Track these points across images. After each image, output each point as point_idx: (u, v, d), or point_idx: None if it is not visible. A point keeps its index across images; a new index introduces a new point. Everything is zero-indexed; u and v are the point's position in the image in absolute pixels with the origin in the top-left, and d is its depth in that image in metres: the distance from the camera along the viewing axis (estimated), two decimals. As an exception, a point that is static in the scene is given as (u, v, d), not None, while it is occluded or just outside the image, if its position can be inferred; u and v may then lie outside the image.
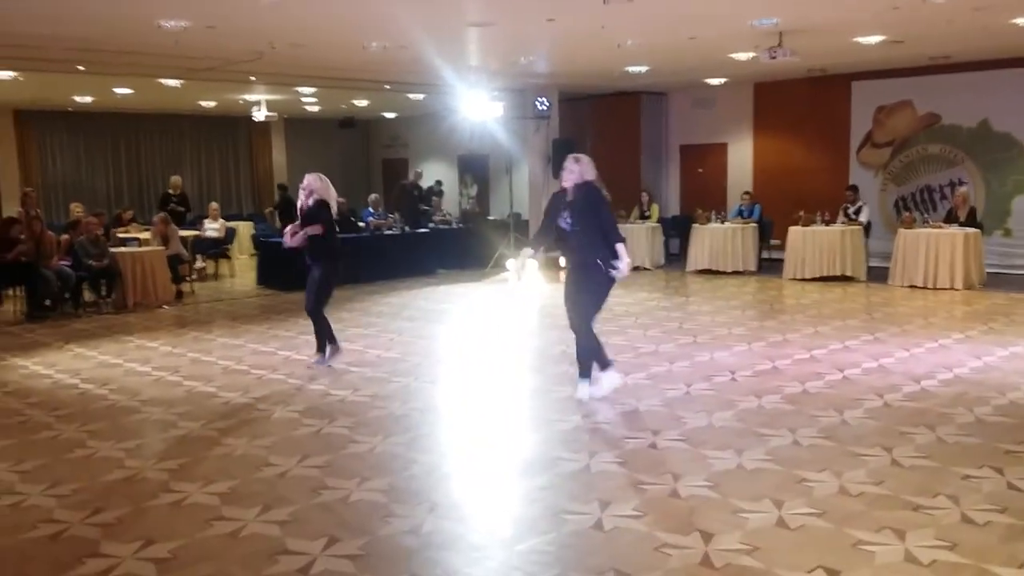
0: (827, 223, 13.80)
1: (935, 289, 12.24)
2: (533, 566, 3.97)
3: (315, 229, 7.80)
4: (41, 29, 9.76)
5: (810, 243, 13.68)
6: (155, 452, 5.81)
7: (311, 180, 8.07)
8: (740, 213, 15.39)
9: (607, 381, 6.73)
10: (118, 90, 15.98)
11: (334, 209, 8.12)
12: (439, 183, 19.75)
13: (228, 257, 16.52)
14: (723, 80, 16.11)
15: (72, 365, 8.59)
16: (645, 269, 15.64)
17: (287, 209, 18.52)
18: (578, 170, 6.49)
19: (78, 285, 11.90)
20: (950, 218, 13.01)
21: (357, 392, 7.24)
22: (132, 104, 18.57)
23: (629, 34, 11.06)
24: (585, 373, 6.71)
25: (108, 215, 15.20)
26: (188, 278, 13.98)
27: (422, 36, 10.64)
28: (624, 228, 15.77)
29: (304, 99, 18.46)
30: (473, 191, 21.37)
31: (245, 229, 18.91)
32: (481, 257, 15.97)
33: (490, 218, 18.75)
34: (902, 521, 4.33)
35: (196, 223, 17.09)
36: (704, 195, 17.15)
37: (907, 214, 14.13)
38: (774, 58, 10.78)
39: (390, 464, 5.43)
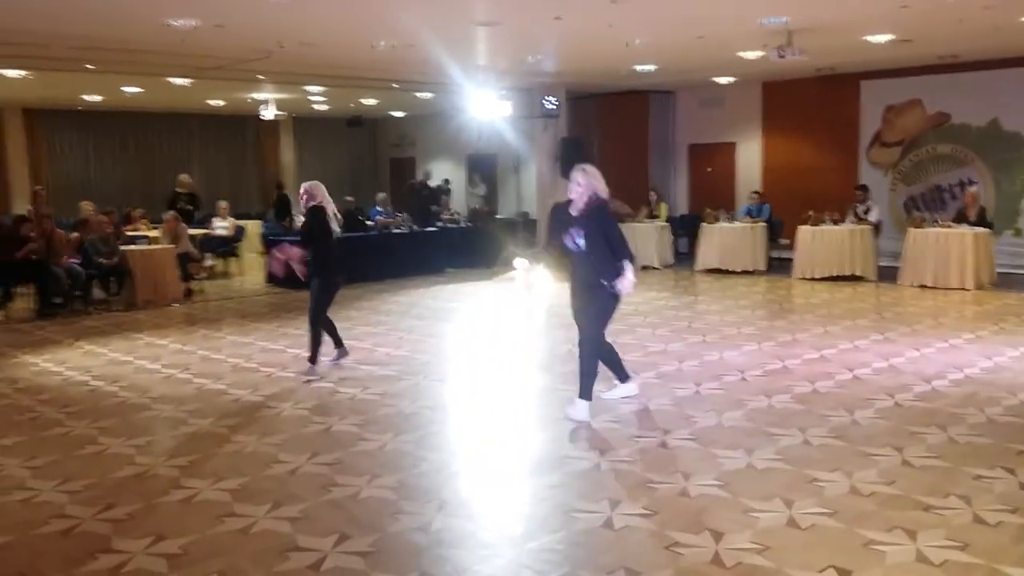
0: (836, 223, 13.76)
1: (945, 289, 12.20)
2: (543, 564, 3.97)
3: (294, 254, 7.87)
4: (51, 28, 9.79)
5: (819, 243, 13.64)
6: (165, 449, 5.83)
7: (307, 187, 7.84)
8: (749, 212, 15.36)
9: (623, 389, 6.69)
10: (127, 89, 16.02)
11: (331, 211, 7.83)
12: (447, 182, 19.76)
13: (237, 255, 16.54)
14: (731, 79, 16.08)
15: (82, 362, 8.62)
16: (654, 268, 15.63)
17: (283, 208, 18.56)
18: (586, 183, 6.08)
19: (88, 283, 11.95)
20: (960, 218, 12.95)
21: (366, 390, 7.25)
22: (141, 103, 18.61)
23: (637, 33, 11.04)
24: (586, 395, 6.20)
25: (117, 213, 15.24)
26: (197, 276, 14.01)
27: (430, 35, 10.65)
28: (632, 227, 15.81)
29: (312, 98, 18.48)
30: (481, 190, 21.36)
31: (254, 227, 18.92)
32: (489, 256, 15.97)
33: (498, 217, 18.75)
34: (913, 521, 4.32)
35: (205, 221, 17.12)
36: (713, 194, 17.12)
37: (917, 214, 14.09)
38: (783, 57, 10.75)
39: (400, 462, 5.44)
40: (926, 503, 4.55)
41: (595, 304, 6.15)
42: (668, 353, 8.46)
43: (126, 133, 20.63)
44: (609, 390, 6.69)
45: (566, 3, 9.10)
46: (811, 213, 13.93)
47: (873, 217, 13.84)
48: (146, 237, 13.82)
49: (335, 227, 7.87)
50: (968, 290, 12.05)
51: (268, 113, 18.28)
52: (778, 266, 14.97)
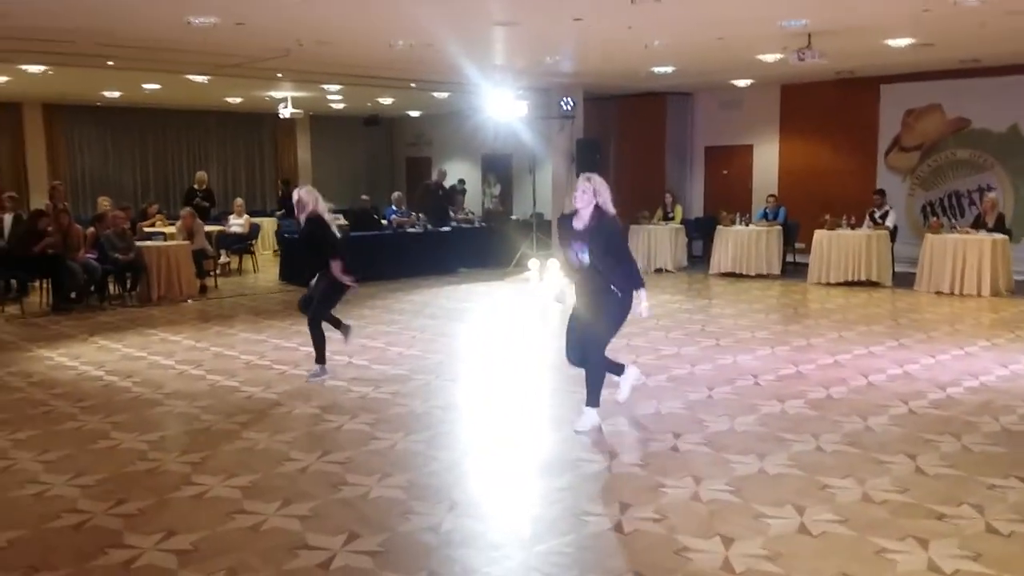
0: (853, 227, 13.68)
1: (962, 295, 12.11)
2: (552, 567, 3.96)
3: (336, 269, 7.44)
4: (72, 24, 9.85)
5: (835, 247, 13.57)
6: (177, 445, 5.85)
7: (301, 195, 7.57)
8: (765, 215, 15.30)
9: (626, 378, 6.44)
10: (146, 85, 16.11)
11: (327, 217, 7.63)
12: (462, 182, 19.78)
13: (252, 253, 16.61)
14: (750, 81, 16.01)
15: (97, 357, 8.67)
16: (667, 271, 15.60)
17: (290, 206, 18.58)
18: (591, 189, 5.81)
19: (103, 278, 12.02)
20: (978, 224, 12.87)
21: (378, 389, 7.26)
22: (159, 99, 18.70)
23: (656, 34, 11.01)
24: (594, 401, 6.03)
25: (134, 209, 15.33)
26: (212, 273, 14.07)
27: (448, 35, 10.65)
28: (647, 229, 15.80)
29: (329, 96, 18.52)
30: (496, 190, 21.37)
31: (269, 225, 19.03)
32: (503, 256, 15.97)
33: (513, 218, 18.74)
34: (926, 530, 4.29)
35: (221, 219, 17.20)
36: (729, 197, 17.07)
37: (934, 219, 14.00)
38: (802, 60, 10.69)
39: (410, 461, 5.44)
40: (939, 512, 4.51)
41: (606, 314, 5.89)
42: (681, 356, 8.43)
43: (144, 129, 20.73)
44: (619, 392, 6.51)
45: (585, 4, 9.08)
46: (827, 217, 13.85)
47: (890, 222, 13.76)
48: (162, 233, 13.88)
49: (335, 231, 7.65)
50: (985, 297, 11.95)
51: (285, 111, 18.33)
52: (793, 270, 14.90)
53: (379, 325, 10.30)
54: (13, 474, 5.27)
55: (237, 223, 16.47)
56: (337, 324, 7.93)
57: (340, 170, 22.96)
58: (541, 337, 9.91)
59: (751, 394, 7.00)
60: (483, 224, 17.57)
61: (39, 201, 16.21)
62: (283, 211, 18.19)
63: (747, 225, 15.05)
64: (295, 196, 7.64)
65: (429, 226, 15.96)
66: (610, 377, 6.35)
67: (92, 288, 11.92)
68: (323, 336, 7.68)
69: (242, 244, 16.30)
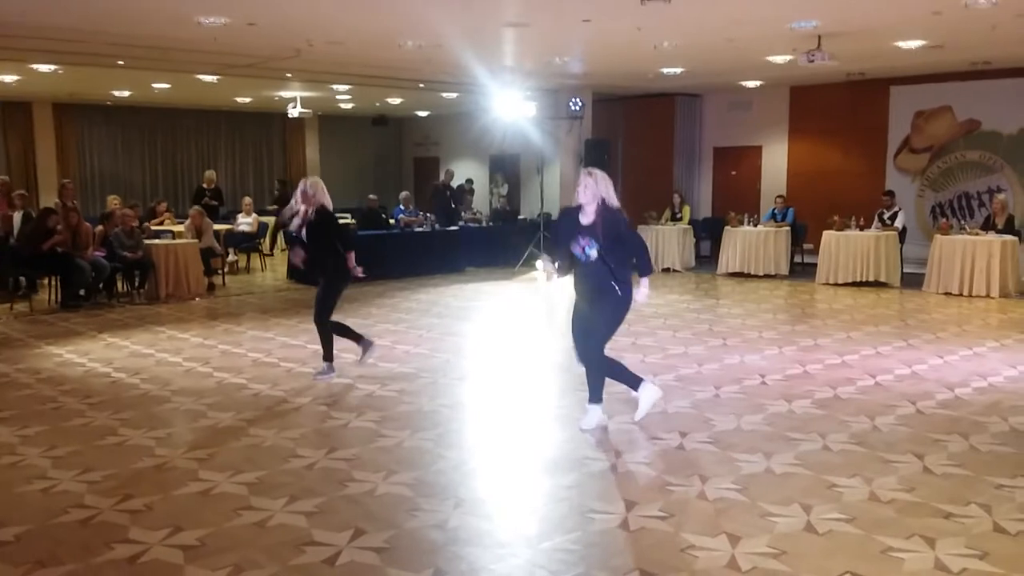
0: (861, 228, 13.65)
1: (970, 296, 12.08)
2: (558, 564, 3.96)
3: (351, 261, 7.41)
4: (82, 24, 9.90)
5: (844, 248, 13.54)
6: (185, 441, 5.86)
7: (307, 187, 7.44)
8: (773, 216, 15.27)
9: (645, 396, 6.17)
10: (156, 85, 16.17)
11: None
12: (470, 181, 19.79)
13: (260, 251, 16.65)
14: (759, 83, 16.00)
15: (105, 354, 8.70)
16: (675, 271, 15.59)
17: (284, 205, 18.50)
18: (592, 184, 5.75)
19: (112, 276, 12.06)
20: (988, 225, 12.83)
21: (385, 387, 7.27)
22: (169, 99, 18.77)
23: (666, 36, 11.01)
24: (596, 397, 6.03)
25: (143, 208, 15.38)
26: (220, 271, 14.11)
27: (457, 35, 10.67)
28: (655, 229, 15.78)
29: (338, 96, 18.56)
30: (504, 190, 21.37)
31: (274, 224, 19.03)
32: (510, 256, 15.98)
33: (520, 217, 18.75)
34: (933, 529, 4.27)
35: (229, 218, 17.24)
36: (737, 197, 17.06)
37: (944, 220, 13.96)
38: (812, 61, 10.69)
39: (417, 459, 5.44)
40: (946, 511, 4.50)
41: (607, 311, 5.84)
42: (688, 356, 8.42)
43: (154, 129, 20.82)
44: (637, 412, 6.21)
45: (595, 5, 9.08)
46: (836, 218, 13.83)
47: (899, 223, 13.72)
48: (171, 232, 13.92)
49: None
50: (994, 298, 11.92)
51: (294, 111, 18.38)
52: (801, 271, 14.88)
53: (386, 324, 10.31)
54: (21, 469, 5.29)
55: (245, 222, 16.52)
56: (329, 355, 7.68)
57: (348, 170, 23.01)
58: (548, 336, 9.90)
59: (758, 393, 6.99)
60: (491, 224, 17.57)
61: (49, 200, 16.27)
62: (279, 209, 18.17)
63: (755, 226, 15.03)
64: (300, 188, 7.53)
65: (437, 225, 15.98)
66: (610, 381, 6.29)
67: (101, 286, 11.97)
68: (331, 335, 7.65)
69: (250, 243, 16.35)
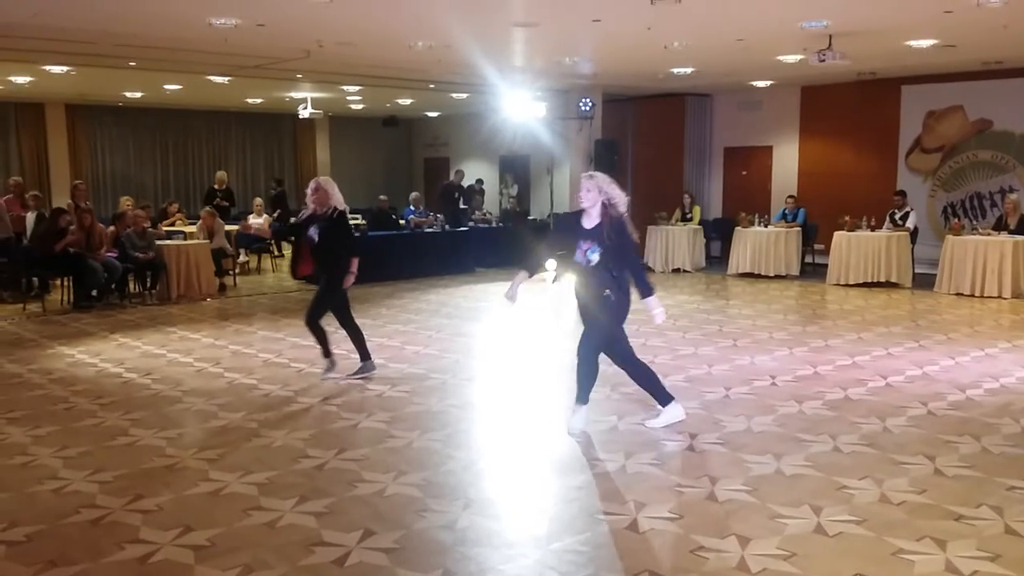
0: (873, 228, 13.60)
1: (982, 297, 12.02)
2: (567, 565, 3.96)
3: (354, 268, 7.39)
4: (95, 26, 9.95)
5: (855, 248, 13.49)
6: (195, 441, 5.89)
7: (322, 183, 7.40)
8: (784, 216, 15.23)
9: (668, 415, 6.05)
10: (167, 86, 16.23)
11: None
12: (480, 182, 19.80)
13: (271, 252, 16.69)
14: (769, 82, 15.96)
15: (117, 354, 8.73)
16: (686, 271, 15.56)
17: (280, 207, 18.46)
18: (596, 187, 5.68)
19: (124, 276, 12.11)
20: (1000, 225, 12.76)
21: (395, 387, 7.27)
22: (181, 100, 18.84)
23: (676, 35, 10.99)
24: (582, 398, 5.95)
25: (154, 208, 15.44)
26: (231, 272, 14.15)
27: (467, 36, 10.67)
28: (665, 230, 15.78)
29: (349, 97, 18.60)
30: (514, 191, 21.38)
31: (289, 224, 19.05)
32: (520, 256, 15.90)
33: (530, 218, 18.75)
34: (944, 531, 4.25)
35: (240, 218, 17.26)
36: (748, 198, 17.02)
37: (955, 221, 13.89)
38: (823, 61, 10.64)
39: (426, 459, 5.45)
40: (957, 513, 4.48)
41: (606, 314, 5.74)
42: (698, 356, 8.40)
43: (166, 130, 20.89)
44: (652, 418, 6.16)
45: (605, 5, 9.07)
46: (847, 218, 13.78)
47: (910, 223, 13.65)
48: (182, 232, 13.97)
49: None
50: (1006, 299, 11.86)
51: (305, 112, 18.42)
52: (812, 271, 14.83)
53: (396, 324, 10.32)
54: (32, 470, 5.32)
55: (256, 223, 16.53)
56: (327, 352, 7.60)
57: (359, 170, 23.04)
58: (556, 336, 9.89)
59: (768, 394, 6.97)
60: (500, 224, 17.58)
61: (61, 200, 16.33)
62: (278, 212, 18.14)
63: (766, 226, 14.99)
64: (313, 185, 7.44)
65: (447, 226, 15.99)
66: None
67: (113, 286, 12.03)
68: (324, 331, 7.53)
69: (261, 243, 16.38)
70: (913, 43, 11.33)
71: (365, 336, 7.74)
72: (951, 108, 14.80)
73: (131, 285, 12.49)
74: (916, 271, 13.54)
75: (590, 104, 16.01)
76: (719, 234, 16.98)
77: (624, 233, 5.71)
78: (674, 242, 15.80)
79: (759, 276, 14.58)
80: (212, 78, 14.69)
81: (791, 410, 6.50)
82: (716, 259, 16.76)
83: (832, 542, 4.16)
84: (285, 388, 7.31)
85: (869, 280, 13.30)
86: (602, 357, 6.04)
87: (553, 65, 13.56)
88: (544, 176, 18.15)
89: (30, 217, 12.92)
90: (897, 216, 13.77)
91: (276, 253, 17.02)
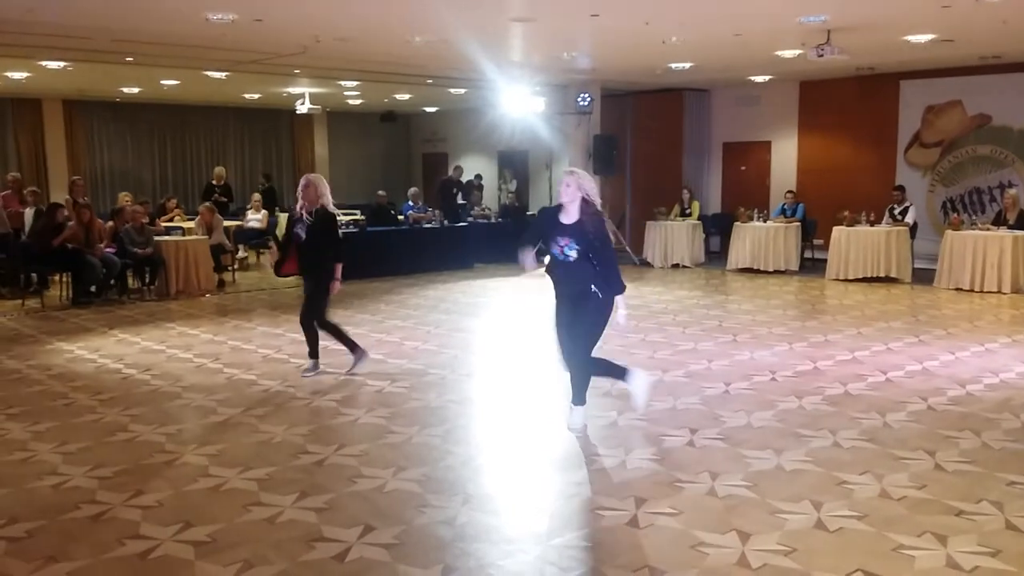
0: (872, 223, 13.59)
1: (982, 292, 12.02)
2: (567, 561, 3.96)
3: (338, 272, 7.36)
4: (90, 21, 9.92)
5: (854, 243, 13.49)
6: (195, 437, 5.88)
7: (313, 180, 7.34)
8: (783, 212, 15.23)
9: (637, 385, 5.98)
10: (165, 82, 16.20)
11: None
12: (479, 177, 19.79)
13: (270, 247, 16.64)
14: (768, 77, 15.94)
15: (116, 350, 8.72)
16: (685, 267, 15.57)
17: (269, 202, 18.37)
18: (575, 183, 5.62)
19: (123, 272, 12.09)
20: (999, 220, 12.76)
21: (394, 383, 7.27)
22: (178, 95, 18.82)
23: (674, 30, 10.97)
24: (579, 399, 5.91)
25: (153, 204, 15.42)
26: (230, 267, 14.14)
27: (465, 31, 10.65)
28: (664, 225, 15.78)
29: (347, 92, 18.57)
30: (512, 186, 21.36)
31: (287, 220, 19.02)
32: (518, 252, 15.93)
33: (529, 213, 18.73)
34: (944, 526, 4.25)
35: (239, 214, 17.25)
36: (747, 193, 17.00)
37: (955, 215, 13.89)
38: (821, 56, 10.63)
39: (426, 455, 5.45)
40: (958, 508, 4.48)
41: (590, 313, 5.67)
42: (698, 352, 8.40)
43: (163, 125, 20.85)
44: (634, 402, 6.09)
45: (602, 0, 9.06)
46: (846, 213, 13.78)
47: (910, 218, 13.65)
48: (181, 228, 13.95)
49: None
50: (1005, 294, 11.86)
51: (303, 107, 18.39)
52: (811, 266, 14.84)
53: (395, 320, 10.31)
54: (32, 465, 5.31)
55: (255, 218, 16.54)
56: (315, 352, 7.63)
57: (357, 166, 23.03)
58: (556, 332, 9.88)
59: (768, 390, 6.97)
60: (499, 220, 17.57)
61: (60, 196, 16.30)
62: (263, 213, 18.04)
63: (765, 221, 14.99)
64: (303, 181, 7.36)
65: (445, 222, 15.97)
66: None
67: (111, 282, 12.01)
68: (316, 333, 7.54)
69: (259, 239, 16.36)
70: (912, 38, 11.32)
71: (345, 330, 7.71)
72: (950, 103, 14.79)
73: (130, 281, 12.47)
74: (915, 266, 13.53)
75: (588, 99, 15.98)
76: (718, 229, 16.98)
77: (602, 229, 5.72)
78: (673, 237, 15.81)
79: (758, 271, 14.59)
80: (209, 73, 14.66)
81: (791, 405, 6.50)
82: (715, 254, 16.76)
83: (832, 537, 4.16)
84: (284, 384, 7.31)
85: (868, 275, 13.31)
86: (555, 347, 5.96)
87: (551, 60, 13.54)
88: (543, 171, 18.15)
89: (28, 213, 12.90)
90: (896, 211, 13.76)
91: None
